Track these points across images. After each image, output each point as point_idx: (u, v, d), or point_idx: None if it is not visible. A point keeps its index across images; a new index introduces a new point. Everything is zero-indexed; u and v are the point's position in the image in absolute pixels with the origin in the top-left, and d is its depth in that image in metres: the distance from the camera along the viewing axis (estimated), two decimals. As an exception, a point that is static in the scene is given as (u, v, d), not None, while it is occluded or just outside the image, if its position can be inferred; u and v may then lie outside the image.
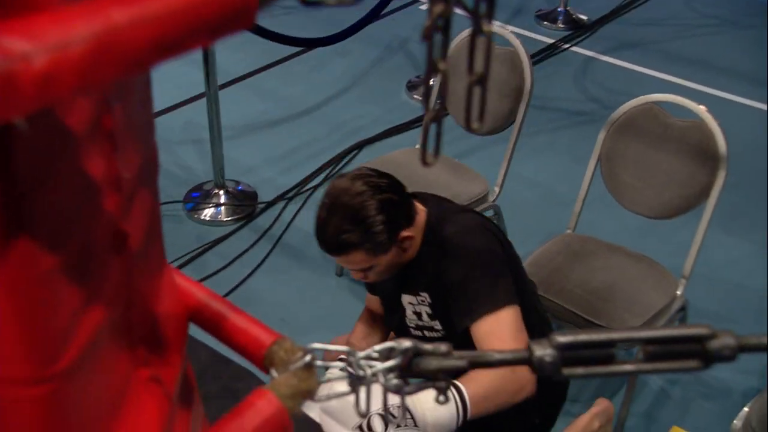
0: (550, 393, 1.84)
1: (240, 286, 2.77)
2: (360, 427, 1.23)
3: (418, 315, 1.73)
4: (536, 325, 1.68)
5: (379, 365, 0.57)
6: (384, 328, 2.03)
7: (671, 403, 2.43)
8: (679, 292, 2.21)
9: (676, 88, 4.23)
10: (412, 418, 1.26)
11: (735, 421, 1.83)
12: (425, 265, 1.63)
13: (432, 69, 0.50)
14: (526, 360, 0.59)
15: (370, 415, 1.22)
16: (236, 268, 2.86)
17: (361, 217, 1.53)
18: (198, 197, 3.17)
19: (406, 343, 0.58)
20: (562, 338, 0.58)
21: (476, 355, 0.59)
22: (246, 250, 2.93)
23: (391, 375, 0.58)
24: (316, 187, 3.33)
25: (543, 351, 0.58)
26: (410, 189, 2.50)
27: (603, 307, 2.09)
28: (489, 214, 2.64)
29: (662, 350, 0.59)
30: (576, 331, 0.59)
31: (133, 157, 0.45)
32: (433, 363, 0.57)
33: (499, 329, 1.45)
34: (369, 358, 0.57)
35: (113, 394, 0.45)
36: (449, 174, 2.64)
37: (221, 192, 3.16)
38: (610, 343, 0.59)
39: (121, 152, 0.42)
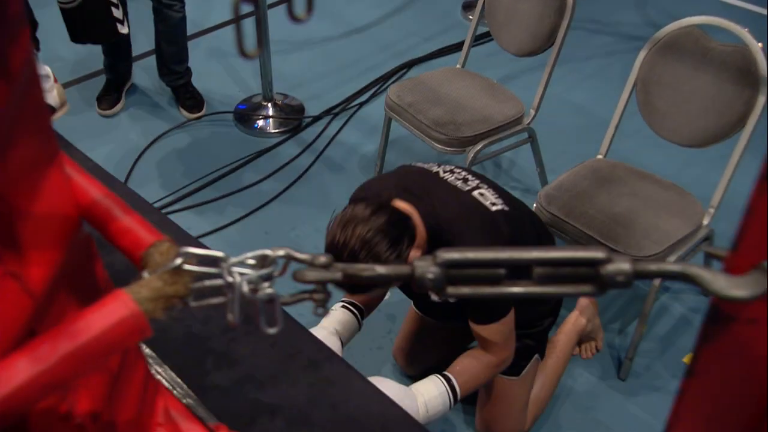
0: (540, 317, 1.82)
1: (280, 196, 2.77)
2: None
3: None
4: None
5: (252, 273, 0.54)
6: None
7: (691, 331, 2.35)
8: (705, 222, 2.10)
9: (748, 15, 3.92)
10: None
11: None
12: None
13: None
14: (409, 276, 0.54)
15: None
16: (278, 178, 2.86)
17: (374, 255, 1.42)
18: (245, 109, 3.16)
19: (281, 251, 0.54)
20: (447, 255, 0.54)
21: (357, 269, 0.55)
22: (288, 162, 2.92)
23: (265, 284, 0.55)
24: (362, 104, 3.27)
25: (426, 268, 0.53)
26: (446, 106, 2.43)
27: (622, 232, 2.00)
28: (523, 136, 2.54)
29: (554, 273, 0.54)
30: (464, 249, 0.54)
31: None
32: (310, 274, 0.54)
33: (493, 335, 1.63)
34: (242, 264, 0.54)
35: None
36: (485, 95, 2.53)
37: (269, 105, 3.14)
38: (499, 263, 0.53)
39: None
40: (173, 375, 1.17)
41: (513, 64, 3.32)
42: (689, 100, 2.10)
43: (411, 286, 0.54)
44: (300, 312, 1.36)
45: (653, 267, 0.54)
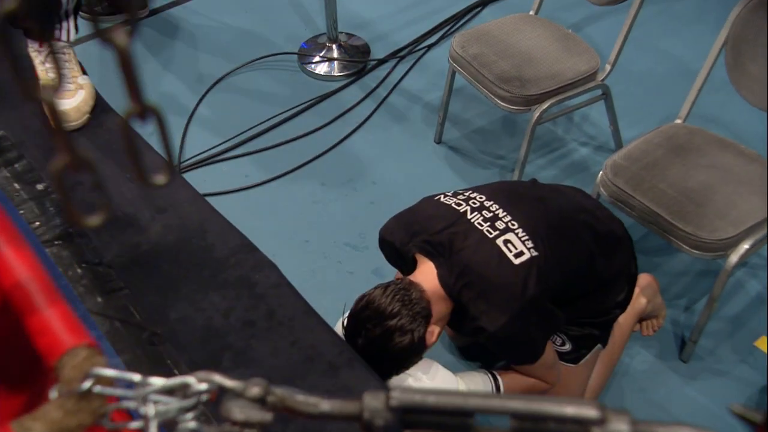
0: (609, 308, 1.68)
1: (339, 145, 2.68)
2: None
3: None
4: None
5: (172, 403, 0.46)
6: None
7: (765, 312, 2.16)
8: (791, 201, 1.88)
9: None
10: None
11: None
12: (463, 320, 1.48)
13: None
14: (356, 416, 0.45)
15: None
16: (339, 125, 2.75)
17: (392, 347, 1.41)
18: (308, 50, 3.04)
19: (203, 384, 0.45)
20: (403, 397, 0.43)
21: (297, 402, 0.45)
22: (350, 109, 2.81)
23: (188, 415, 0.47)
24: (430, 47, 3.09)
25: (376, 412, 0.44)
26: (513, 60, 2.24)
27: (694, 211, 1.82)
28: (596, 93, 2.33)
29: (534, 428, 0.43)
30: (425, 392, 0.44)
31: None
32: (236, 411, 0.45)
33: (534, 371, 1.59)
34: (162, 392, 0.46)
35: None
36: (557, 47, 2.32)
37: (334, 46, 3.00)
38: (465, 412, 0.43)
39: None
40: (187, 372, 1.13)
41: (588, 7, 3.04)
42: (785, 65, 1.85)
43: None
44: (325, 306, 1.31)
45: (660, 430, 0.43)
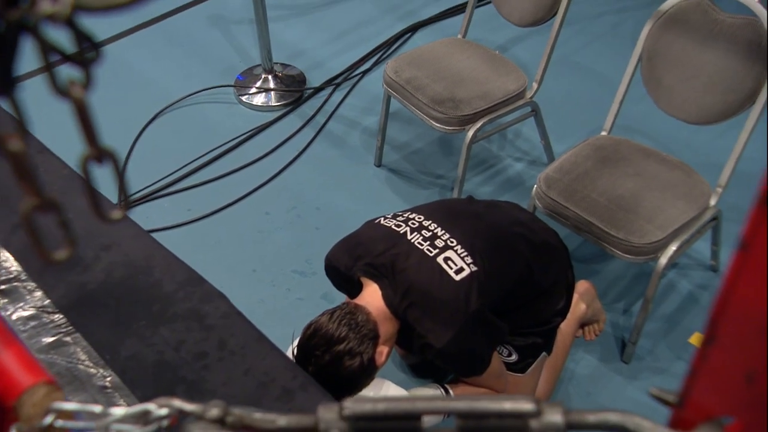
0: (551, 316, 1.74)
1: (280, 174, 2.69)
2: None
3: None
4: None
5: (136, 431, 0.48)
6: None
7: (698, 309, 2.26)
8: (712, 203, 1.99)
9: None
10: None
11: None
12: (411, 339, 1.51)
13: None
14: (312, 429, 0.47)
15: None
16: (279, 154, 2.77)
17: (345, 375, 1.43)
18: (244, 81, 3.06)
19: (164, 410, 0.47)
20: (355, 407, 0.46)
21: (254, 419, 0.48)
22: (289, 138, 2.83)
23: (150, 440, 0.48)
24: (365, 73, 3.15)
25: (331, 423, 0.46)
26: (445, 82, 2.31)
27: (624, 217, 1.90)
28: (525, 111, 2.42)
29: (478, 426, 0.46)
30: (375, 400, 0.47)
31: None
32: (195, 432, 0.47)
33: (483, 381, 1.62)
34: (123, 420, 0.48)
35: None
36: (486, 68, 2.41)
37: (270, 77, 3.03)
38: (414, 415, 0.46)
39: None
40: (143, 408, 1.13)
41: (511, 29, 3.16)
42: (697, 75, 1.96)
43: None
44: (276, 334, 1.32)
45: (590, 418, 0.47)
